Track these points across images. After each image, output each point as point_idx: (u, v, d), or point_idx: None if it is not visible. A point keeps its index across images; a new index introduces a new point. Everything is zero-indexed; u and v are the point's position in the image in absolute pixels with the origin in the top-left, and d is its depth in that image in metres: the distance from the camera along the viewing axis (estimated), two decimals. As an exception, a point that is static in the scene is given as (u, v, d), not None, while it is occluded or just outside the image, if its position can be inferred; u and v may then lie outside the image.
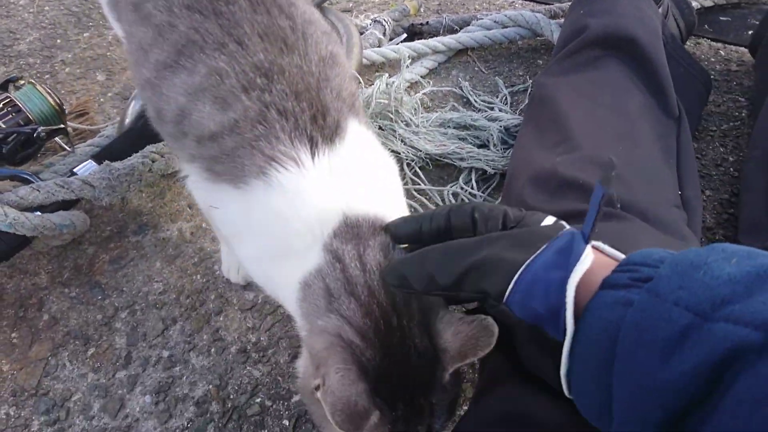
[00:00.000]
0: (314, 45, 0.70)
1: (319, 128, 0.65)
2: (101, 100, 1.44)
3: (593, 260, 0.47)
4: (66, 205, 1.05)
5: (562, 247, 0.48)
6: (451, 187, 1.16)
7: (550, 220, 0.55)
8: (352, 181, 0.66)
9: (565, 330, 0.46)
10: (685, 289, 0.40)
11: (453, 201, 1.14)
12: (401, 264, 0.57)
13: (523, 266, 0.49)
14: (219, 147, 0.67)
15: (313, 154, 0.64)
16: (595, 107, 0.95)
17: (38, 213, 1.00)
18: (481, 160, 1.16)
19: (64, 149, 1.23)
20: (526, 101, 1.31)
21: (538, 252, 0.49)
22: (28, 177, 1.06)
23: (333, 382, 0.55)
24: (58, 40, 1.61)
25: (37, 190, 0.99)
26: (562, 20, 1.41)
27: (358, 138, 0.69)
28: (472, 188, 1.15)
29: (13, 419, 0.91)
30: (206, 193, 0.74)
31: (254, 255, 0.72)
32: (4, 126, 1.08)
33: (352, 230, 0.63)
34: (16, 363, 0.97)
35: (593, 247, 0.49)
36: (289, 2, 0.72)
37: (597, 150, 0.87)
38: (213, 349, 0.97)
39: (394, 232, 0.63)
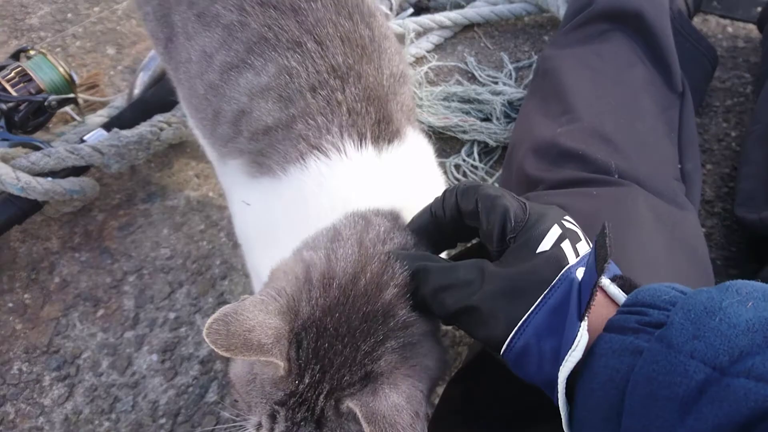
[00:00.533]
0: (387, 60, 0.70)
1: (379, 131, 0.66)
2: (111, 73, 1.46)
3: (597, 298, 0.44)
4: (76, 171, 1.08)
5: (557, 307, 0.45)
6: (454, 159, 1.17)
7: (550, 239, 0.48)
8: (395, 181, 0.66)
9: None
10: (700, 339, 0.37)
11: (455, 172, 1.16)
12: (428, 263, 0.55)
13: (516, 327, 0.45)
14: (269, 139, 0.68)
15: (360, 147, 0.65)
16: (598, 79, 0.96)
17: (49, 179, 1.02)
18: (483, 133, 1.17)
19: (74, 119, 1.25)
20: (531, 76, 1.32)
21: (532, 309, 0.45)
22: (39, 144, 1.09)
23: (250, 300, 0.51)
24: (69, 14, 1.63)
25: (48, 156, 1.02)
26: (569, -4, 1.41)
27: (416, 147, 0.70)
28: (474, 160, 1.16)
29: (25, 374, 0.94)
30: (243, 189, 0.74)
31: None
32: (16, 94, 1.10)
33: (373, 219, 0.60)
34: (28, 322, 1.00)
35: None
36: (370, 12, 0.72)
37: (598, 121, 0.88)
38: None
39: (411, 225, 0.61)
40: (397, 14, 1.50)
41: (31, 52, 1.20)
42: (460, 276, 0.50)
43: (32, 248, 1.10)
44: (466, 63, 1.38)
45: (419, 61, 1.38)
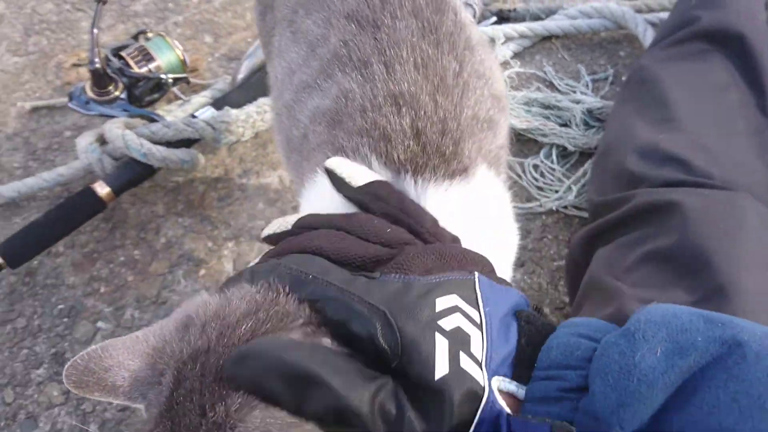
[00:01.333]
0: (473, 100, 0.62)
1: (426, 164, 0.58)
2: (209, 59, 1.57)
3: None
4: (186, 144, 1.18)
5: None
6: (532, 159, 1.24)
7: (442, 359, 0.41)
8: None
9: None
10: (625, 407, 0.38)
11: (533, 172, 1.23)
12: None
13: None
14: (316, 159, 0.64)
15: (388, 172, 0.58)
16: (698, 95, 1.03)
17: (166, 147, 1.13)
18: (562, 137, 1.24)
19: (180, 98, 1.36)
20: (606, 89, 1.38)
21: None
22: (156, 117, 1.20)
23: (122, 339, 0.47)
24: (170, 4, 1.76)
25: (167, 127, 1.13)
26: (648, 15, 1.48)
27: (483, 192, 0.62)
28: (552, 162, 1.23)
29: (137, 320, 1.04)
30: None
31: None
32: (138, 71, 1.21)
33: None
34: (138, 275, 1.11)
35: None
36: (467, 46, 0.65)
37: (699, 133, 0.95)
38: (310, 280, 1.09)
39: None
40: (479, 22, 1.58)
41: (149, 34, 1.31)
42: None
43: (141, 211, 1.21)
44: (544, 72, 1.45)
45: (502, 65, 1.46)
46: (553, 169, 1.22)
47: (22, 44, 1.55)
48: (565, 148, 1.24)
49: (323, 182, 0.59)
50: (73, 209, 1.07)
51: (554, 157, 1.23)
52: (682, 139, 0.93)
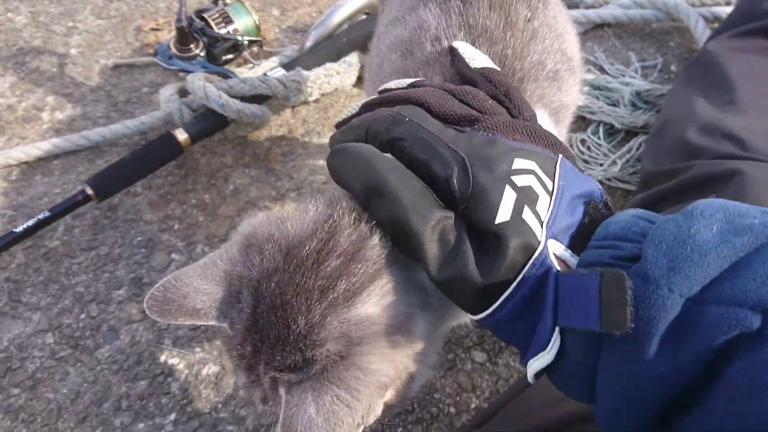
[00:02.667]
0: (540, 48, 0.66)
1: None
2: (276, 31, 1.67)
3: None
4: (259, 100, 1.28)
5: (531, 295, 0.43)
6: (580, 135, 1.30)
7: (506, 208, 0.44)
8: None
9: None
10: (675, 271, 0.38)
11: (580, 146, 1.29)
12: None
13: (489, 310, 0.45)
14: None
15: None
16: (760, 86, 1.09)
17: (240, 101, 1.23)
18: (610, 115, 1.30)
19: (251, 62, 1.46)
20: (655, 75, 1.44)
21: (504, 297, 0.44)
22: (231, 75, 1.30)
23: (192, 266, 0.51)
24: (240, -21, 1.87)
25: (244, 83, 1.22)
26: (701, 9, 1.53)
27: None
28: (598, 138, 1.29)
29: (207, 254, 1.14)
30: None
31: None
32: (219, 32, 1.32)
33: None
34: (208, 217, 1.21)
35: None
36: (542, 0, 0.68)
37: (758, 119, 1.00)
38: (366, 230, 1.18)
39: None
40: (534, 8, 1.65)
41: (228, 0, 1.41)
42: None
43: (211, 161, 1.31)
44: (595, 57, 1.51)
45: (553, 49, 1.52)
46: (600, 145, 1.28)
47: (104, 8, 1.67)
48: (611, 126, 1.30)
49: None
50: (155, 151, 1.18)
51: (601, 133, 1.29)
52: (742, 121, 0.99)
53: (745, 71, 1.11)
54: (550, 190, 0.46)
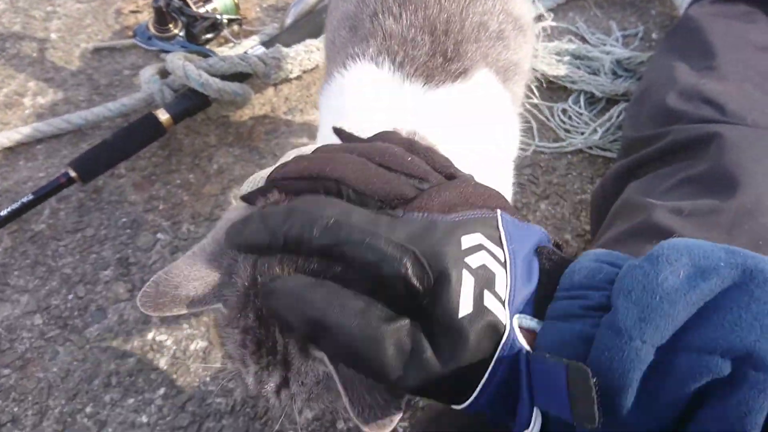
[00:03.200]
0: (480, 8, 0.68)
1: (434, 65, 0.65)
2: (257, 9, 1.66)
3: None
4: (240, 79, 1.28)
5: (506, 379, 0.43)
6: (561, 105, 1.31)
7: (467, 297, 0.41)
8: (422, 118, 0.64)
9: None
10: (646, 321, 0.38)
11: (561, 116, 1.30)
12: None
13: (467, 402, 0.44)
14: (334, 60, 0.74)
15: (394, 72, 0.65)
16: (740, 51, 1.09)
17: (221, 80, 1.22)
18: (591, 84, 1.30)
19: (231, 41, 1.46)
20: (636, 43, 1.44)
21: (482, 385, 0.43)
22: (211, 53, 1.30)
23: (182, 258, 0.50)
24: (220, -41, 1.85)
25: (223, 61, 1.22)
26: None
27: (477, 92, 0.67)
28: (579, 107, 1.30)
29: (192, 233, 1.15)
30: None
31: None
32: (197, 10, 1.31)
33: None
34: (193, 196, 1.21)
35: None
36: None
37: (738, 84, 1.01)
38: (349, 204, 1.18)
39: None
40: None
41: (206, -21, 1.40)
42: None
43: (194, 141, 1.31)
44: (576, 27, 1.51)
45: (535, 18, 1.52)
46: (581, 114, 1.29)
47: (83, -9, 1.66)
48: (592, 95, 1.31)
49: (339, 81, 0.68)
50: (137, 132, 1.18)
51: (582, 102, 1.30)
52: (722, 86, 1.00)
53: (726, 36, 1.12)
54: (502, 260, 0.44)
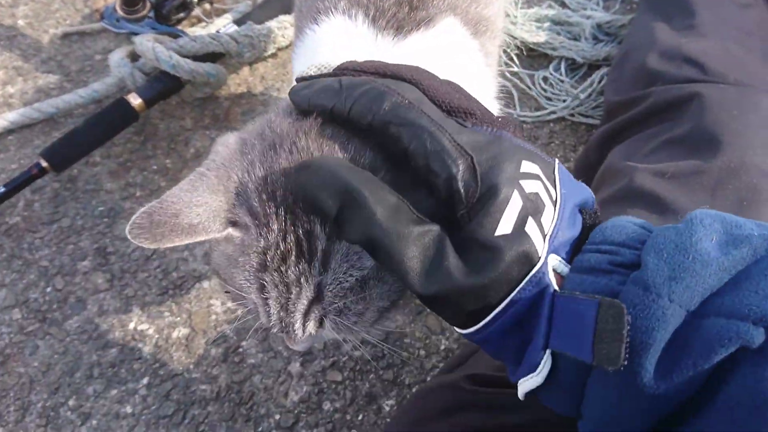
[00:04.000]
0: None
1: (400, 15, 0.65)
2: (229, -13, 1.62)
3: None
4: (212, 59, 1.25)
5: (524, 313, 0.41)
6: (542, 72, 1.28)
7: (510, 217, 0.40)
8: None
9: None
10: (677, 280, 0.36)
11: (542, 84, 1.27)
12: None
13: (479, 326, 0.42)
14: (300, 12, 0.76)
15: (368, 24, 0.64)
16: (721, 9, 1.07)
17: (193, 61, 1.19)
18: (571, 50, 1.28)
19: (204, 21, 1.42)
20: (617, 6, 1.41)
21: (495, 314, 0.41)
22: (182, 34, 1.26)
23: (178, 186, 0.48)
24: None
25: (194, 41, 1.19)
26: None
27: (443, 39, 0.66)
28: (560, 75, 1.27)
29: (171, 219, 1.13)
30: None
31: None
32: (164, -11, 1.27)
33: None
34: (170, 181, 1.19)
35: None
36: None
37: (718, 42, 0.99)
38: (330, 183, 1.16)
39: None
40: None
41: (173, -43, 1.36)
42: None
43: (170, 125, 1.28)
44: (556, -8, 1.47)
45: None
46: (562, 81, 1.26)
47: (50, -25, 1.61)
48: (573, 61, 1.28)
49: (311, 37, 0.68)
50: (109, 118, 1.15)
51: (563, 69, 1.28)
52: (702, 44, 0.98)
53: None
54: (554, 199, 0.42)
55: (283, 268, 0.45)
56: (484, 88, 0.72)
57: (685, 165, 0.77)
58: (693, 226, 0.38)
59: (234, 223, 0.47)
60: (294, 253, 0.45)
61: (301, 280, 0.45)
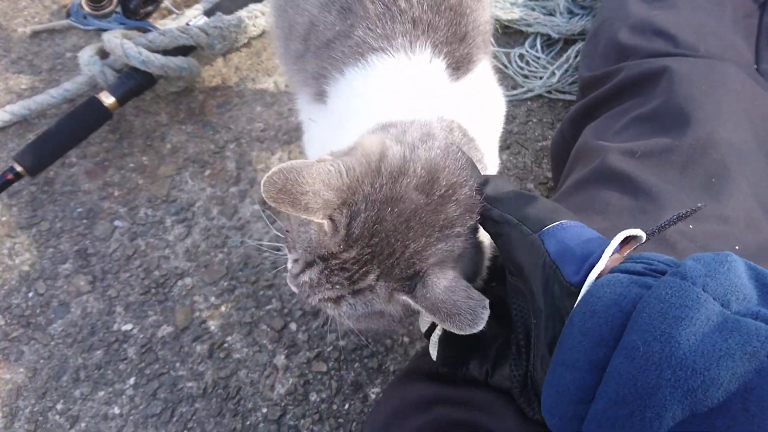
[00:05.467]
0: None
1: (451, 51, 0.68)
2: (199, -25, 1.59)
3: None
4: (184, 52, 1.23)
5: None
6: (518, 50, 1.27)
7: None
8: (460, 103, 0.69)
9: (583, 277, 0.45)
10: (711, 277, 0.39)
11: (519, 62, 1.26)
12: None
13: (573, 222, 0.50)
14: (329, 52, 0.71)
15: (432, 58, 0.67)
16: None
17: (163, 55, 1.17)
18: (546, 25, 1.26)
19: (174, 12, 1.40)
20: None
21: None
22: (151, 28, 1.24)
23: (317, 167, 0.54)
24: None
25: (163, 35, 1.17)
26: None
27: (482, 77, 0.72)
28: (536, 51, 1.26)
29: (150, 217, 1.12)
30: (311, 108, 0.81)
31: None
32: (130, -17, 1.25)
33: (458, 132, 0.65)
34: (148, 179, 1.18)
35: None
36: None
37: (690, 13, 0.98)
38: (308, 173, 1.16)
39: None
40: None
41: (139, -51, 1.33)
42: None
43: (145, 121, 1.27)
44: (530, -34, 1.45)
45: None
46: (538, 58, 1.25)
47: (15, -28, 1.58)
48: (549, 37, 1.27)
49: (353, 77, 0.68)
50: (81, 118, 1.14)
51: (539, 45, 1.26)
52: (673, 16, 0.96)
53: None
54: None
55: (332, 270, 0.55)
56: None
57: (654, 143, 0.77)
58: (727, 253, 0.42)
59: (332, 220, 0.54)
60: (347, 274, 0.55)
61: (336, 287, 0.56)
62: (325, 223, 0.54)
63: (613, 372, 0.39)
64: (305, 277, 0.57)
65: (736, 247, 0.66)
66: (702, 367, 0.35)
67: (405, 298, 0.54)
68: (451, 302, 0.52)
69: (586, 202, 0.76)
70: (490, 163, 0.71)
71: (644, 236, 0.47)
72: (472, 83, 0.70)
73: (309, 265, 0.56)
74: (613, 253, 0.46)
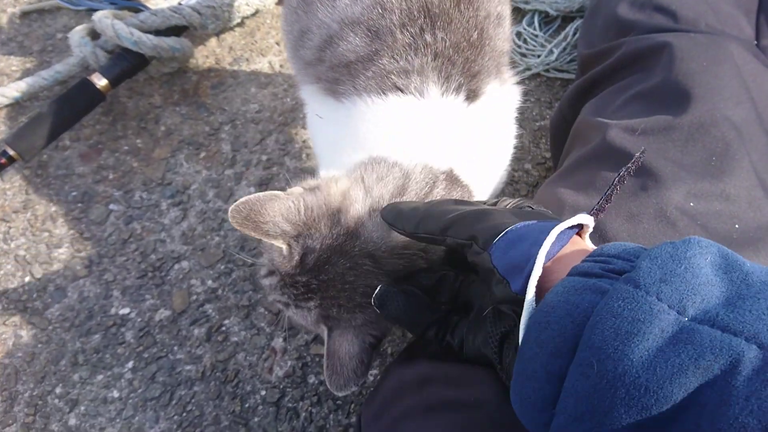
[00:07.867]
0: (487, 1, 0.73)
1: (464, 83, 0.71)
2: (191, -47, 1.56)
3: (572, 247, 0.46)
4: (176, 32, 1.21)
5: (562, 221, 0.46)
6: (516, 27, 1.26)
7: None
8: (469, 138, 0.73)
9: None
10: (667, 283, 0.37)
11: (516, 40, 1.24)
12: (401, 203, 0.61)
13: (521, 224, 0.47)
14: (349, 71, 0.72)
15: (445, 93, 0.70)
16: None
17: (155, 36, 1.16)
18: (544, 2, 1.25)
19: (166, -8, 1.37)
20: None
21: (539, 221, 0.48)
22: (142, 7, 1.22)
23: (279, 200, 0.61)
24: None
25: (155, 15, 1.15)
26: None
27: (491, 106, 0.75)
28: (534, 29, 1.25)
29: (146, 200, 1.11)
30: (319, 104, 0.80)
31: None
32: (120, -39, 1.22)
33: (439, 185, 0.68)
34: (142, 162, 1.17)
35: (578, 233, 0.48)
36: None
37: None
38: (304, 154, 1.15)
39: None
40: None
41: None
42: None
43: (138, 103, 1.25)
44: (528, -59, 1.43)
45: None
46: (536, 35, 1.24)
47: (3, -49, 1.54)
48: (547, 14, 1.25)
49: (367, 103, 0.71)
50: (73, 100, 1.12)
51: (536, 23, 1.25)
52: None
53: None
54: None
55: (286, 284, 0.64)
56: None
57: (655, 120, 0.76)
58: (689, 244, 0.40)
59: (290, 246, 0.62)
60: (296, 292, 0.63)
61: (285, 296, 0.65)
62: (284, 248, 0.62)
63: (570, 389, 0.38)
64: (266, 281, 0.67)
65: (736, 226, 0.66)
66: (655, 386, 0.35)
67: (324, 331, 0.65)
68: (340, 363, 0.64)
69: (587, 181, 0.76)
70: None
71: (592, 224, 0.48)
72: (476, 122, 0.73)
73: (271, 272, 0.66)
74: (575, 233, 0.47)
